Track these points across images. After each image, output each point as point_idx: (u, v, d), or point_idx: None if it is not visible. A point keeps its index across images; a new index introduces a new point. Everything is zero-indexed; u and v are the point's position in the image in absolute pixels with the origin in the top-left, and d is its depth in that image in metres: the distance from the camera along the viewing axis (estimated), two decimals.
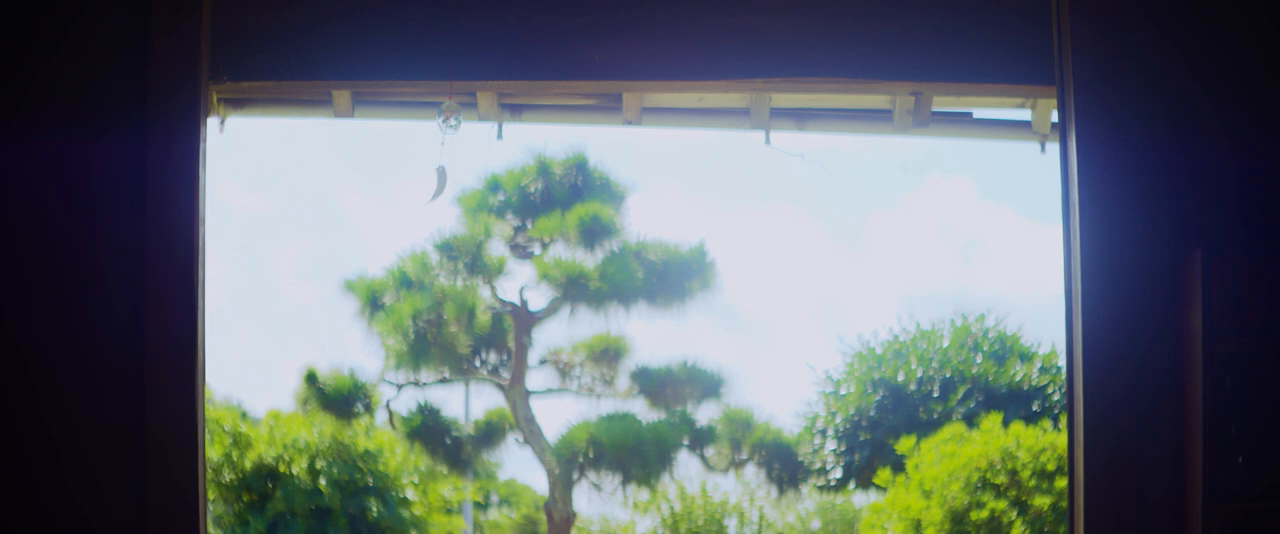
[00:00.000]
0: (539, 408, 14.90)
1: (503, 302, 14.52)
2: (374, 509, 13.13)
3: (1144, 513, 3.60)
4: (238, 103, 4.39)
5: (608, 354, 14.51)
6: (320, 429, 13.56)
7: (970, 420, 15.27)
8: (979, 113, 4.57)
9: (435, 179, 4.42)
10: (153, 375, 3.61)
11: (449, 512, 15.20)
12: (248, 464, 13.00)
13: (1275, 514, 3.49)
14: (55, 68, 3.71)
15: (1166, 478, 3.61)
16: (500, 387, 14.54)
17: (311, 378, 14.12)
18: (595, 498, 14.65)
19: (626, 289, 14.36)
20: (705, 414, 15.10)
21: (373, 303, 14.35)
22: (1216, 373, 3.51)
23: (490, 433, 14.60)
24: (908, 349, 17.73)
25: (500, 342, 14.45)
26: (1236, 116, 3.71)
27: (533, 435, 14.50)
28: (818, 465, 17.61)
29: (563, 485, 14.40)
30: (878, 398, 17.43)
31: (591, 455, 14.26)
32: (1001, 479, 11.18)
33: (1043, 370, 17.31)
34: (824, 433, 17.77)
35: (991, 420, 11.91)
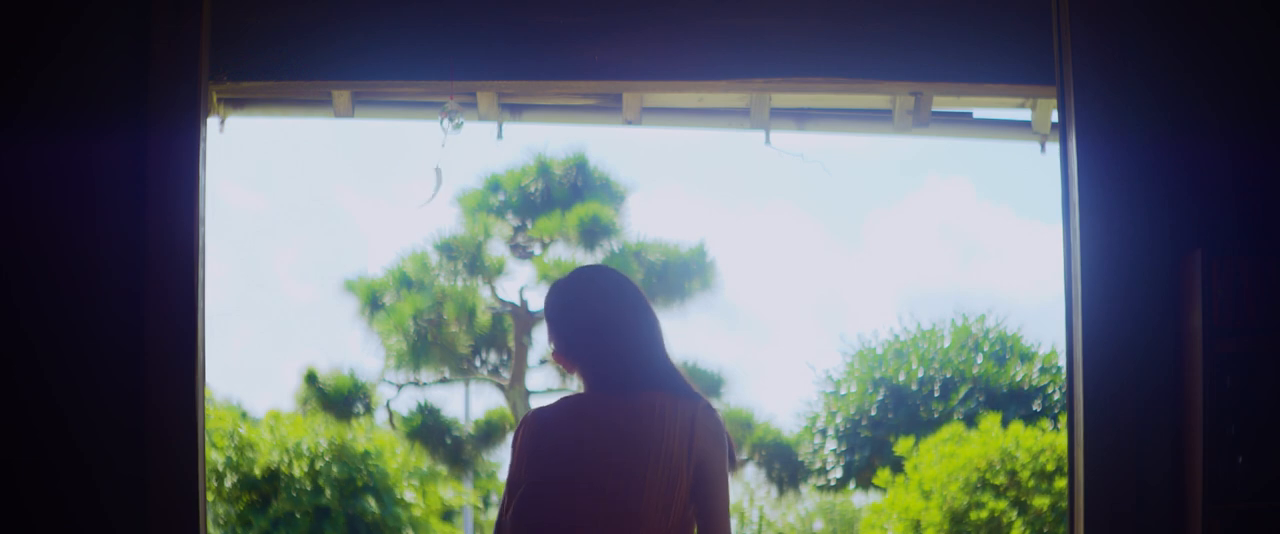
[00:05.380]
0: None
1: (503, 301, 14.52)
2: (373, 509, 13.13)
3: (1144, 512, 3.60)
4: (238, 103, 4.39)
5: None
6: (320, 430, 13.56)
7: (971, 420, 15.27)
8: (979, 113, 4.57)
9: (434, 179, 4.42)
10: (153, 375, 3.61)
11: (449, 514, 15.19)
12: (249, 465, 13.00)
13: (1275, 513, 3.49)
14: (56, 68, 3.71)
15: (1166, 477, 3.61)
16: (500, 387, 14.53)
17: (311, 378, 14.11)
18: None
19: None
20: None
21: (373, 303, 14.33)
22: (1216, 373, 3.51)
23: (490, 433, 14.58)
24: (908, 349, 17.73)
25: (500, 342, 14.43)
26: (1236, 116, 3.71)
27: None
28: (818, 465, 17.60)
29: None
30: (878, 398, 17.43)
31: None
32: (1001, 480, 11.18)
33: (1043, 370, 17.30)
34: (824, 433, 17.77)
35: (991, 421, 11.91)
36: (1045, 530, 11.03)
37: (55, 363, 3.63)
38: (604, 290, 3.25)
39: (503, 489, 3.24)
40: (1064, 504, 10.54)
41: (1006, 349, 17.69)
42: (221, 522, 12.88)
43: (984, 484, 11.26)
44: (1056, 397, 16.91)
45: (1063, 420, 15.18)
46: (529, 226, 14.67)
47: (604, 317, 3.21)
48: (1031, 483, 11.12)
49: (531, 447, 3.13)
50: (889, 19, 3.93)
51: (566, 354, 3.25)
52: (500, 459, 15.31)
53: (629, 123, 4.49)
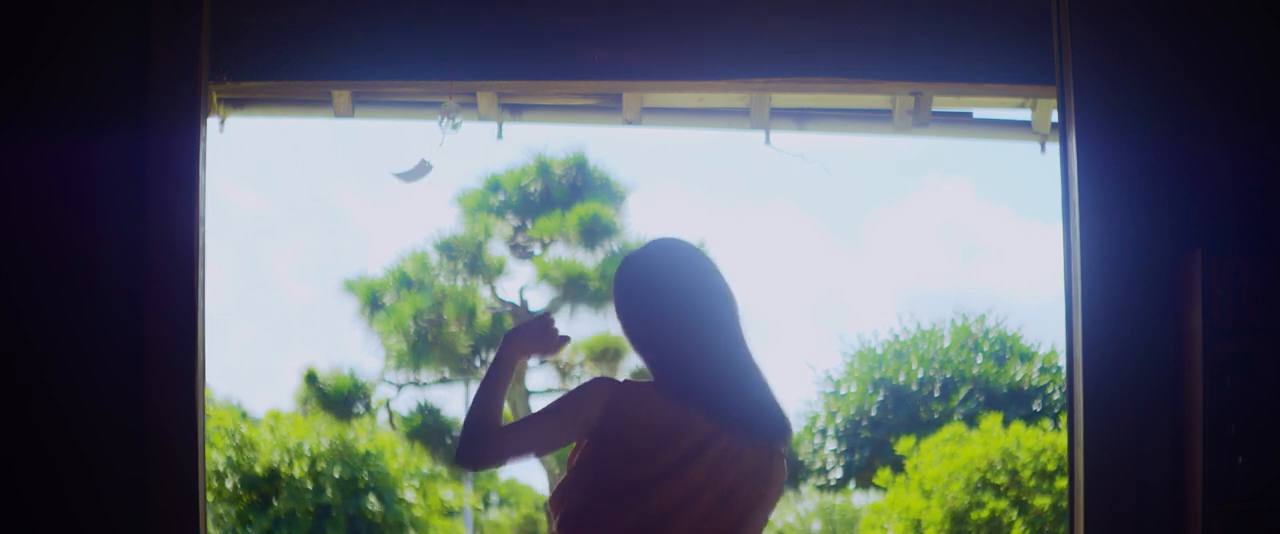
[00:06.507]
0: (539, 408, 14.84)
1: (503, 301, 14.52)
2: (375, 510, 13.14)
3: (1144, 512, 3.60)
4: (238, 103, 4.39)
5: (608, 354, 14.50)
6: (321, 430, 13.57)
7: (971, 420, 15.27)
8: (979, 113, 4.57)
9: (417, 163, 4.41)
10: (153, 375, 3.61)
11: (449, 514, 15.18)
12: (249, 465, 13.01)
13: (1275, 513, 3.49)
14: (56, 68, 3.71)
15: (1166, 477, 3.61)
16: None
17: (311, 378, 14.12)
18: None
19: None
20: None
21: (373, 303, 14.35)
22: (1216, 373, 3.51)
23: None
24: (908, 349, 17.73)
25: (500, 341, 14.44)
26: (1236, 116, 3.71)
27: None
28: (818, 465, 17.61)
29: None
30: (878, 398, 17.44)
31: None
32: (1002, 479, 11.18)
33: (1043, 370, 17.31)
34: (824, 433, 17.77)
35: (991, 420, 11.91)
36: (1046, 530, 11.03)
37: (55, 363, 3.63)
38: (688, 275, 2.98)
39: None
40: (1064, 504, 10.53)
41: (1006, 349, 17.70)
42: (222, 522, 12.88)
43: (985, 484, 11.26)
44: (1056, 397, 16.91)
45: (1063, 420, 15.18)
46: (529, 226, 14.67)
47: (686, 311, 2.95)
48: (1032, 483, 11.12)
49: (603, 433, 2.91)
50: (889, 19, 3.93)
51: (642, 350, 2.98)
52: None
53: (629, 123, 4.49)
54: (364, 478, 13.26)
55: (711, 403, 2.91)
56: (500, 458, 2.96)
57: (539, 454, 3.01)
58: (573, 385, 14.73)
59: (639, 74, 4.01)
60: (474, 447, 2.94)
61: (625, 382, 2.96)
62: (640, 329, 3.01)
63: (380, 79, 4.02)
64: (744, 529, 2.95)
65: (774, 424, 2.97)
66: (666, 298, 2.99)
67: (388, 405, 14.50)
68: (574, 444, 3.04)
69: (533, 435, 2.96)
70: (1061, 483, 10.95)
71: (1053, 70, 3.80)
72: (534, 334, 3.11)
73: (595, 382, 2.96)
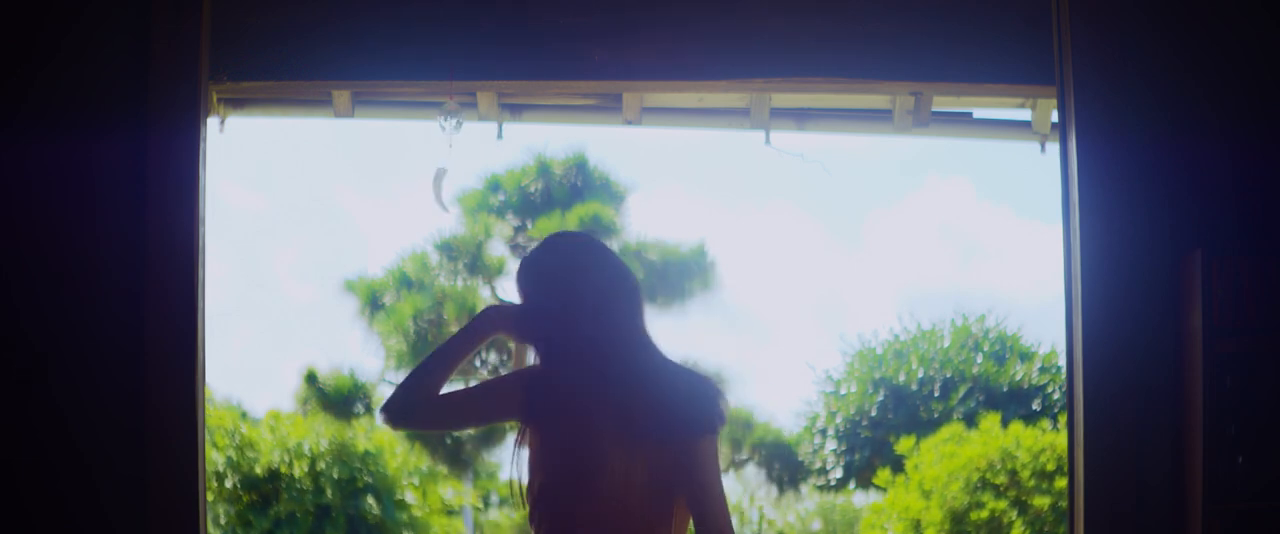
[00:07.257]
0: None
1: (503, 302, 14.51)
2: (374, 510, 13.14)
3: (1144, 512, 3.60)
4: (238, 103, 4.39)
5: None
6: (321, 430, 13.56)
7: (971, 420, 15.27)
8: (979, 113, 4.57)
9: (437, 182, 4.41)
10: (153, 375, 3.61)
11: (449, 514, 15.19)
12: (250, 465, 13.01)
13: (1275, 513, 3.49)
14: (56, 68, 3.71)
15: (1166, 477, 3.61)
16: None
17: (311, 378, 14.11)
18: None
19: None
20: None
21: (373, 303, 14.33)
22: (1216, 373, 3.51)
23: (490, 433, 14.59)
24: (908, 349, 17.73)
25: (499, 342, 14.43)
26: (1236, 116, 3.71)
27: None
28: (818, 465, 17.61)
29: None
30: (878, 398, 17.43)
31: None
32: (1001, 479, 11.17)
33: (1043, 370, 17.30)
34: (824, 433, 17.76)
35: (991, 420, 11.90)
36: (1045, 530, 11.03)
37: (55, 363, 3.63)
38: (585, 273, 3.11)
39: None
40: (1064, 504, 10.53)
41: (1006, 349, 17.69)
42: (222, 522, 12.88)
43: (984, 484, 11.26)
44: (1056, 397, 16.90)
45: (1063, 420, 15.17)
46: (529, 227, 14.66)
47: (583, 307, 3.08)
48: (1032, 483, 11.12)
49: (535, 421, 3.04)
50: (889, 19, 3.93)
51: (541, 346, 3.11)
52: (500, 459, 15.29)
53: (629, 123, 4.49)
54: (364, 478, 13.25)
55: (609, 399, 3.02)
56: (425, 421, 3.11)
57: (459, 425, 3.17)
58: None
59: (639, 74, 4.01)
60: (405, 405, 3.04)
61: (548, 371, 3.09)
62: (540, 328, 3.14)
63: (380, 79, 4.02)
64: (702, 511, 3.00)
65: (672, 418, 3.04)
66: (564, 297, 3.12)
67: None
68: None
69: (458, 404, 3.10)
70: (1061, 483, 10.94)
71: (1053, 70, 3.80)
72: (516, 315, 3.23)
73: (528, 369, 3.12)
